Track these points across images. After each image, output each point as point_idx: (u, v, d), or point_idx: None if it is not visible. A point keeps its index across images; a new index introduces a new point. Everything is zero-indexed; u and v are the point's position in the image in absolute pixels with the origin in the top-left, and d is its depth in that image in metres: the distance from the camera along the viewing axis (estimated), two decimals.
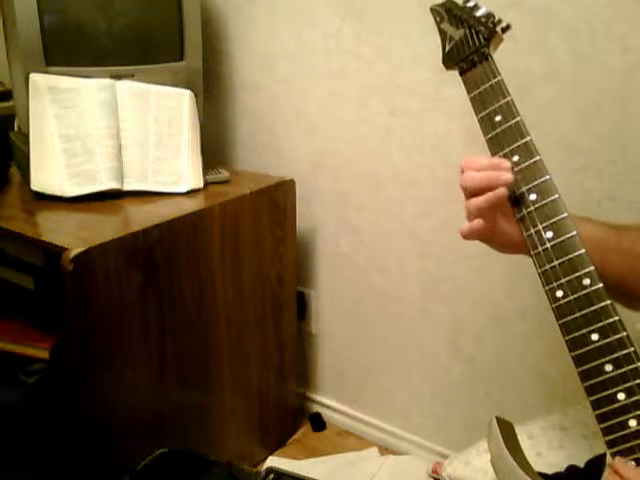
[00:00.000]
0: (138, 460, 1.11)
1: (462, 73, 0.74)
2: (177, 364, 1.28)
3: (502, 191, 0.66)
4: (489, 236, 0.72)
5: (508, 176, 0.66)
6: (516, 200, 0.68)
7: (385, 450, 1.65)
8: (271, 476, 1.09)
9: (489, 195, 0.66)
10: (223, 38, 1.60)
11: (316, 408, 1.77)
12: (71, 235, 1.11)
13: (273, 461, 1.58)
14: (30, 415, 1.17)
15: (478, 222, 0.69)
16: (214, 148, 1.67)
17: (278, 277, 1.50)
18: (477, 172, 0.67)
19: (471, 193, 0.68)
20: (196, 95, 1.38)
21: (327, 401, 1.76)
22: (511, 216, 0.69)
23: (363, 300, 1.60)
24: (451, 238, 1.41)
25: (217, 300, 1.34)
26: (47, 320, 1.24)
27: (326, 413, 1.76)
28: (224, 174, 1.43)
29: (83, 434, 1.13)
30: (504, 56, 1.20)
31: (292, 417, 1.70)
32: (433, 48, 1.30)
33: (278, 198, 1.44)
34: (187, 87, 1.37)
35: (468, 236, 0.71)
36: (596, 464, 0.64)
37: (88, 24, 1.30)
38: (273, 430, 1.63)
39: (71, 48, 1.30)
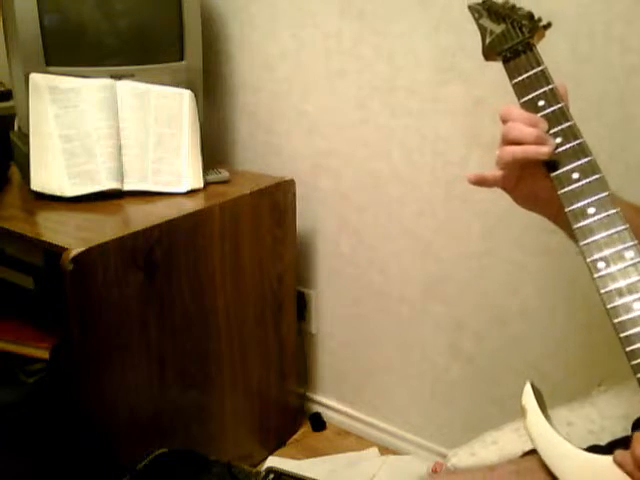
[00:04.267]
0: (138, 460, 1.11)
1: (505, 61, 0.78)
2: (177, 364, 1.28)
3: (545, 150, 0.69)
4: (511, 187, 0.75)
5: (553, 142, 0.70)
6: (551, 165, 0.70)
7: (385, 450, 1.65)
8: (271, 476, 1.10)
9: (530, 149, 0.69)
10: (223, 38, 1.60)
11: (316, 408, 1.78)
12: (71, 235, 1.11)
13: (273, 461, 1.58)
14: (30, 415, 1.17)
15: (494, 173, 0.74)
16: (214, 148, 1.67)
17: (278, 277, 1.50)
18: (526, 126, 0.70)
19: (510, 143, 0.71)
20: (196, 95, 1.38)
21: (327, 401, 1.76)
22: (539, 175, 0.72)
23: (363, 300, 1.60)
24: (451, 238, 1.41)
25: (217, 300, 1.34)
26: (47, 320, 1.24)
27: (326, 413, 1.76)
28: (224, 174, 1.43)
29: (83, 434, 1.13)
30: None
31: (292, 417, 1.70)
32: (433, 48, 1.31)
33: (278, 198, 1.44)
34: (187, 87, 1.37)
35: (478, 182, 0.76)
36: (618, 445, 0.64)
37: (88, 24, 1.30)
38: (273, 430, 1.63)
39: (71, 48, 1.30)
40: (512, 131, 0.71)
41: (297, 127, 1.56)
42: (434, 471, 1.12)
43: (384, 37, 1.36)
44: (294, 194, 1.49)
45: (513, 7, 0.82)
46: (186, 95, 1.36)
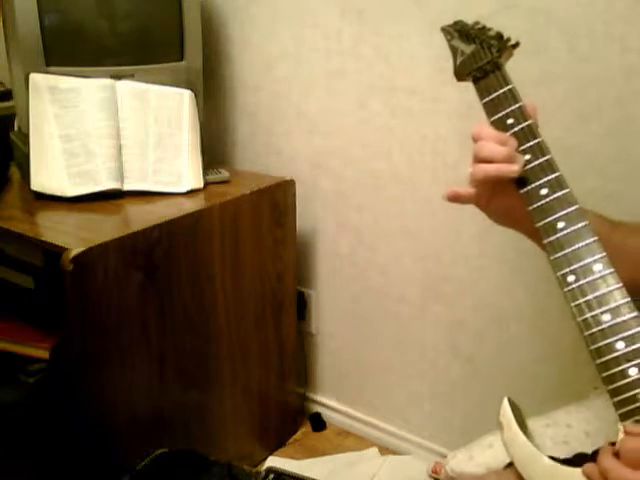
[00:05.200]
0: (138, 460, 1.11)
1: (475, 81, 0.80)
2: (177, 364, 1.28)
3: (515, 168, 0.70)
4: (484, 204, 0.77)
5: (522, 160, 0.71)
6: (521, 182, 0.72)
7: (385, 450, 1.65)
8: (271, 476, 1.10)
9: (502, 167, 0.70)
10: (223, 38, 1.60)
11: (316, 408, 1.78)
12: (71, 235, 1.11)
13: (273, 461, 1.58)
14: (30, 415, 1.17)
15: (468, 190, 0.75)
16: (214, 148, 1.67)
17: (278, 277, 1.50)
18: (496, 144, 0.71)
19: (481, 161, 0.72)
20: (196, 95, 1.38)
21: (327, 401, 1.76)
22: (510, 192, 0.73)
23: (363, 300, 1.60)
24: (451, 238, 1.41)
25: (217, 300, 1.35)
26: (47, 320, 1.24)
27: (326, 413, 1.76)
28: (224, 174, 1.43)
29: (83, 434, 1.13)
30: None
31: (292, 417, 1.70)
32: (433, 48, 1.31)
33: (278, 198, 1.44)
34: (187, 87, 1.37)
35: (453, 199, 0.77)
36: None
37: (88, 24, 1.30)
38: (273, 430, 1.63)
39: (71, 48, 1.30)
40: (483, 150, 0.72)
41: (297, 127, 1.56)
42: (434, 472, 1.12)
43: (384, 37, 1.36)
44: (294, 194, 1.49)
45: (483, 28, 0.84)
46: (186, 95, 1.36)
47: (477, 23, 0.85)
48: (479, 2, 1.19)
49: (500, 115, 0.75)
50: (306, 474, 1.13)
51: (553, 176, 0.70)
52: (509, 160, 0.70)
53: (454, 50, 0.85)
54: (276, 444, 1.65)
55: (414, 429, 1.61)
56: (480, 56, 0.80)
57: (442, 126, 1.34)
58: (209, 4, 1.57)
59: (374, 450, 1.64)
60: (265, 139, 1.62)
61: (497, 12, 1.20)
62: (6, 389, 1.19)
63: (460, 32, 0.85)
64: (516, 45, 0.80)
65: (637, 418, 0.61)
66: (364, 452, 1.64)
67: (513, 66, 1.21)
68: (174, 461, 1.13)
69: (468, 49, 0.82)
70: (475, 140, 0.74)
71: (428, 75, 1.33)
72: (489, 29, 0.83)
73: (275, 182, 1.44)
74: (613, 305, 0.63)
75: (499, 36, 0.81)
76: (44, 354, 1.21)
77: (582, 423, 0.90)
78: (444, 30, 0.88)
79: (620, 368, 0.61)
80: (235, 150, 1.69)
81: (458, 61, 0.83)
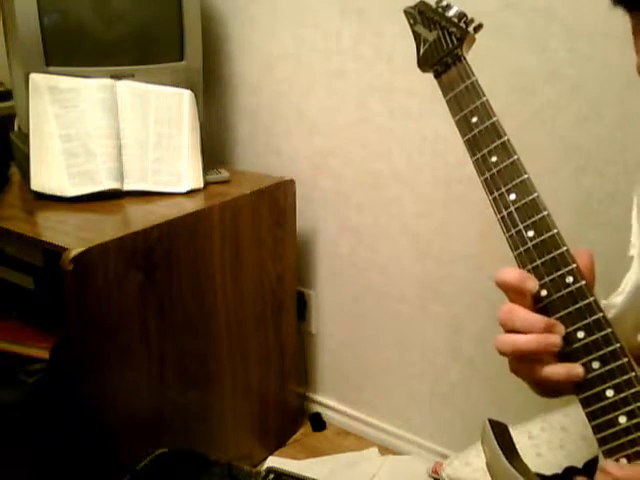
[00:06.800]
0: (138, 460, 1.11)
1: (437, 76, 0.75)
2: (177, 364, 1.28)
3: (558, 342, 0.59)
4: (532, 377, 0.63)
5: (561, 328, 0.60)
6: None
7: (385, 450, 1.65)
8: (271, 476, 1.09)
9: (540, 339, 0.59)
10: (223, 38, 1.60)
11: (316, 408, 1.77)
12: (71, 235, 1.11)
13: (273, 461, 1.58)
14: (30, 415, 1.17)
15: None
16: (214, 148, 1.67)
17: (278, 277, 1.50)
18: (529, 313, 0.60)
19: (510, 331, 0.61)
20: (196, 95, 1.38)
21: (327, 401, 1.76)
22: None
23: (363, 300, 1.60)
24: (451, 238, 1.41)
25: (217, 300, 1.35)
26: (47, 320, 1.24)
27: (326, 413, 1.76)
28: (224, 174, 1.43)
29: (83, 434, 1.13)
30: (505, 56, 1.20)
31: (292, 417, 1.70)
32: None
33: (278, 198, 1.44)
34: (187, 87, 1.37)
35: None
36: (594, 464, 0.64)
37: (88, 24, 1.30)
38: (273, 430, 1.63)
39: (71, 48, 1.30)
40: (515, 321, 0.60)
41: (297, 127, 1.56)
42: (434, 472, 1.12)
43: (384, 37, 1.36)
44: (294, 194, 1.49)
45: (444, 8, 0.77)
46: (186, 95, 1.36)
47: (440, 1, 0.78)
48: (480, 2, 1.19)
49: (464, 113, 0.70)
50: (306, 474, 1.13)
51: (519, 180, 0.65)
52: (547, 330, 0.59)
53: (417, 37, 0.78)
54: (276, 444, 1.65)
55: (414, 429, 1.61)
56: (441, 46, 0.74)
57: (442, 126, 1.34)
58: (209, 4, 1.57)
59: (374, 450, 1.64)
60: (265, 139, 1.62)
61: (498, 11, 1.20)
62: (6, 389, 1.19)
63: (422, 15, 0.78)
64: (478, 28, 0.74)
65: (614, 444, 0.58)
66: (364, 452, 1.64)
67: (513, 66, 1.21)
68: (174, 461, 1.13)
69: (430, 36, 0.76)
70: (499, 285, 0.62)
71: (428, 75, 1.33)
72: (450, 8, 0.76)
73: (275, 182, 1.44)
74: (587, 322, 0.59)
75: (460, 19, 0.74)
76: (44, 354, 1.21)
77: (579, 426, 0.90)
78: (407, 13, 0.81)
79: (596, 390, 0.58)
80: (235, 150, 1.69)
81: (421, 51, 0.78)
